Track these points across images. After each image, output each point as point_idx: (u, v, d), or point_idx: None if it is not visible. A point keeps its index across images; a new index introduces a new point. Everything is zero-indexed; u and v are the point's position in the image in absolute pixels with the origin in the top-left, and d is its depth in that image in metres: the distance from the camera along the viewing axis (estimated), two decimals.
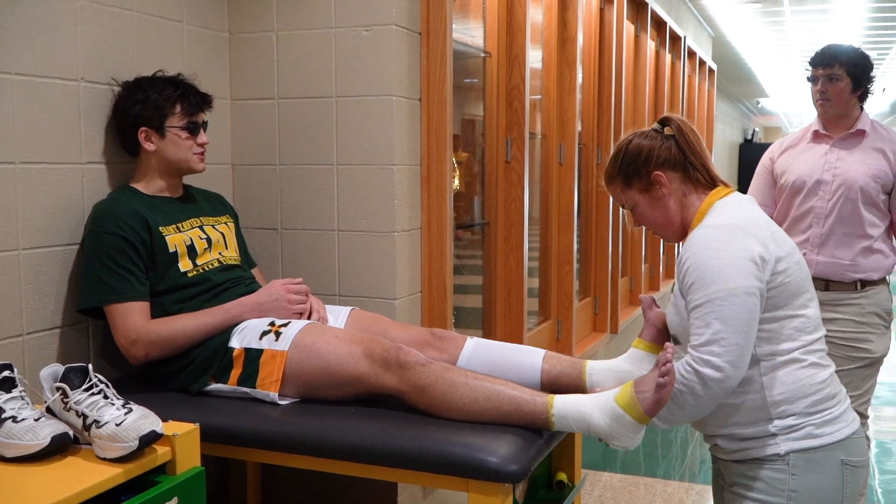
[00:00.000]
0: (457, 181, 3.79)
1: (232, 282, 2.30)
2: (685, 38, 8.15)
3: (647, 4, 6.29)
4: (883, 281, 3.10)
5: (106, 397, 1.67)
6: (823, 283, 3.04)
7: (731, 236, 1.74)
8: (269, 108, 2.83)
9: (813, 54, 3.15)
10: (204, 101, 2.35)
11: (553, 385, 2.13)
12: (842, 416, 1.79)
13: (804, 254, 2.81)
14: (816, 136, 3.13)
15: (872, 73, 3.05)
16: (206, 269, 2.27)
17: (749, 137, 20.92)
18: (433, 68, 2.81)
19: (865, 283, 3.05)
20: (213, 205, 2.46)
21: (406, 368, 1.95)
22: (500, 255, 3.76)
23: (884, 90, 17.45)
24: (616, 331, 5.45)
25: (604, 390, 1.90)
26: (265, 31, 2.81)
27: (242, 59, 2.85)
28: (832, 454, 1.76)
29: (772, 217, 2.88)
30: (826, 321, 2.47)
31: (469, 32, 3.72)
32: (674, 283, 1.88)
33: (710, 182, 1.89)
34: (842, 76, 3.01)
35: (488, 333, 3.82)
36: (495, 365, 2.17)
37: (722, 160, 15.93)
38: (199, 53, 2.72)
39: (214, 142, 2.78)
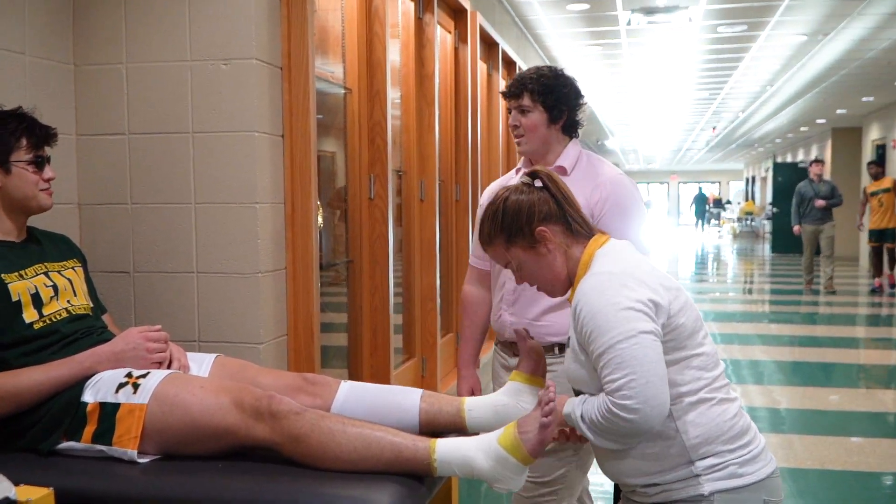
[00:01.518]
0: (320, 219, 3.71)
1: (83, 332, 2.12)
2: None
3: (497, 45, 6.44)
4: None
5: None
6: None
7: (622, 282, 1.73)
8: (119, 144, 2.66)
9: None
10: (48, 135, 2.18)
11: (432, 424, 2.08)
12: (761, 454, 1.79)
13: (500, 315, 2.52)
14: (521, 174, 2.64)
15: (579, 99, 2.50)
16: (54, 319, 2.08)
17: None
18: (296, 103, 2.74)
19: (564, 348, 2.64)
20: (58, 248, 2.28)
21: (279, 418, 1.85)
22: (365, 294, 3.70)
23: (714, 129, 18.68)
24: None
25: (486, 430, 1.87)
26: (113, 63, 2.65)
27: (89, 92, 2.67)
28: (755, 494, 1.76)
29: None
30: None
31: (329, 68, 3.67)
32: (569, 336, 1.87)
33: (588, 232, 1.89)
34: (532, 107, 2.46)
35: (355, 372, 3.74)
36: (372, 408, 2.10)
37: None
38: (42, 86, 2.53)
39: (60, 180, 2.57)
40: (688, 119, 17.18)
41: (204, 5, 2.58)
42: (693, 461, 1.74)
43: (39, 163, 2.15)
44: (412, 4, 4.47)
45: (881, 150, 14.82)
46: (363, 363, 3.70)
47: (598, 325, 1.69)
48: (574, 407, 1.78)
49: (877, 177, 11.43)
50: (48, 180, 2.17)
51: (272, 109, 2.66)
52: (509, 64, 7.27)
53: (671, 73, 11.00)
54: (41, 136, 2.15)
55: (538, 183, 1.89)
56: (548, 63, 9.86)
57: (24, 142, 2.11)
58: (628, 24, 7.80)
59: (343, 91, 3.68)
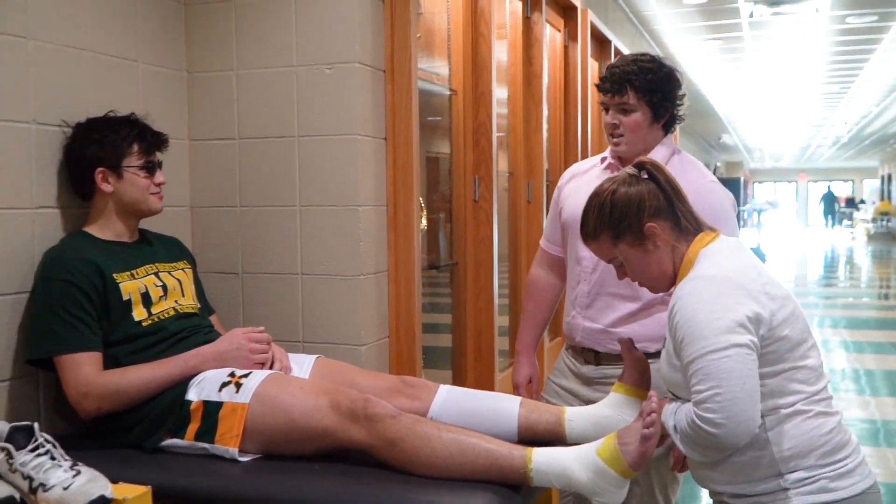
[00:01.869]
0: (424, 221, 3.72)
1: (189, 330, 2.19)
2: None
3: (609, 42, 6.31)
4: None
5: (53, 458, 1.57)
6: (592, 355, 2.36)
7: (721, 290, 1.66)
8: (229, 149, 2.74)
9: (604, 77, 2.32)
10: (160, 141, 2.26)
11: (531, 433, 2.04)
12: (857, 469, 1.69)
13: (573, 317, 2.37)
14: (606, 165, 2.42)
15: (681, 93, 2.30)
16: (162, 317, 2.16)
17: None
18: (398, 106, 2.74)
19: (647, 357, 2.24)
20: (169, 250, 2.36)
21: (375, 421, 1.85)
22: (469, 296, 3.68)
23: (845, 123, 17.80)
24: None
25: (586, 441, 1.82)
26: (224, 70, 2.73)
27: (201, 98, 2.76)
28: None
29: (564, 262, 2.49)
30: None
31: (434, 70, 3.67)
32: (665, 338, 1.80)
33: (696, 227, 1.81)
34: (636, 106, 2.25)
35: (459, 375, 3.73)
36: (470, 414, 2.08)
37: None
38: (156, 93, 2.63)
39: (172, 184, 2.68)
40: (816, 114, 16.43)
41: (309, 11, 2.62)
42: (782, 474, 1.66)
43: (150, 168, 2.23)
44: (520, 3, 4.43)
45: None
46: (467, 366, 3.69)
47: (691, 333, 1.62)
48: (667, 416, 1.71)
49: None
50: (159, 185, 2.25)
51: (375, 112, 2.68)
52: None
53: (797, 67, 10.53)
54: (152, 141, 2.24)
55: (644, 174, 1.81)
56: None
57: (135, 147, 2.20)
58: (750, 16, 7.51)
59: (448, 93, 3.68)
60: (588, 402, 2.30)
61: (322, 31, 2.60)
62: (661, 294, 1.96)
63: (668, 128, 2.34)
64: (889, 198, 29.89)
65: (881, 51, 9.33)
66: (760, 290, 1.67)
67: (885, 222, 27.58)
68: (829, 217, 31.54)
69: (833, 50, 9.40)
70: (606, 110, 2.31)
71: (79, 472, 1.51)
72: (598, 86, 2.32)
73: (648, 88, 2.22)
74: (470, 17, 3.73)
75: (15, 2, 2.10)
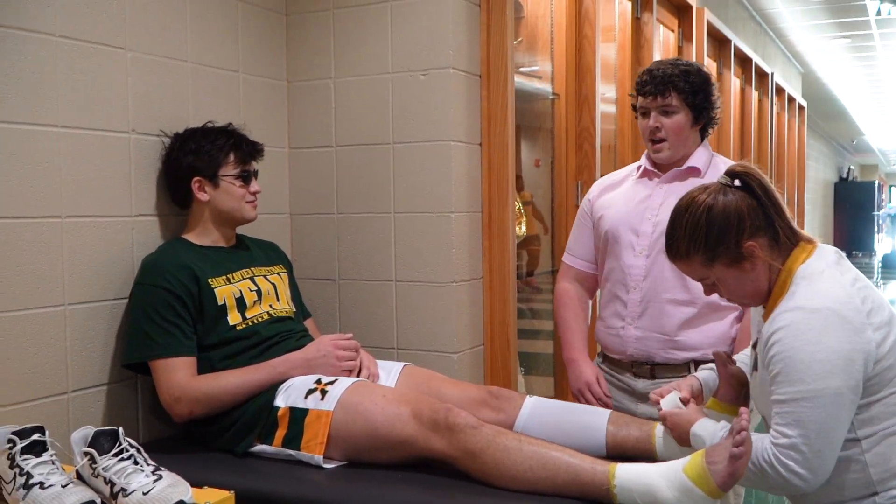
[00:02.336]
0: (524, 226, 3.67)
1: (282, 335, 2.22)
2: (773, 74, 7.87)
3: (729, 41, 6.07)
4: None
5: (136, 463, 1.60)
6: (647, 368, 2.30)
7: (825, 326, 1.54)
8: (327, 156, 2.77)
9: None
10: (256, 150, 2.30)
11: (619, 448, 1.97)
12: None
13: (622, 328, 2.30)
14: (642, 173, 2.39)
15: (714, 97, 2.29)
16: (256, 322, 2.19)
17: (844, 176, 20.14)
18: (494, 111, 2.71)
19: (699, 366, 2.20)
20: (266, 254, 2.40)
21: (456, 431, 1.82)
22: None
23: None
24: None
25: (677, 458, 1.73)
26: (323, 79, 2.76)
27: (300, 107, 2.80)
28: None
29: (597, 282, 2.46)
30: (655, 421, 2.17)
31: (537, 74, 3.61)
32: (754, 356, 1.69)
33: (794, 240, 1.69)
34: (679, 108, 2.25)
35: (559, 382, 3.65)
36: (556, 426, 2.03)
37: (816, 199, 15.35)
38: (257, 103, 2.69)
39: (273, 191, 2.73)
40: None
41: (405, 18, 2.62)
42: (877, 492, 1.58)
43: (246, 177, 2.27)
44: (629, 4, 4.31)
45: None
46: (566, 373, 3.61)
47: (788, 372, 1.53)
48: None
49: None
50: (254, 193, 2.29)
51: (469, 118, 2.65)
52: (743, 60, 6.84)
53: None
54: (248, 151, 2.28)
55: (738, 182, 1.68)
56: (791, 58, 9.19)
57: (231, 157, 2.24)
58: (878, 14, 7.09)
59: (551, 97, 3.61)
60: (648, 418, 2.21)
61: (417, 37, 2.60)
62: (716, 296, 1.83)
63: (704, 132, 2.33)
64: None
65: None
66: (866, 322, 1.56)
67: None
68: None
69: None
70: (645, 115, 2.29)
71: (160, 477, 1.53)
72: (638, 90, 2.30)
73: (691, 90, 2.23)
74: (574, 18, 3.66)
75: (113, 13, 2.18)
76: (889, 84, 11.29)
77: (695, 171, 2.29)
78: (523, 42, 3.59)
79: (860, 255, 18.16)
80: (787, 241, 1.68)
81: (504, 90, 2.70)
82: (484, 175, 2.71)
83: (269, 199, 2.69)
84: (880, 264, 17.39)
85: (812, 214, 14.63)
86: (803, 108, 10.16)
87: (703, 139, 2.34)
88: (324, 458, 1.93)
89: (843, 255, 1.72)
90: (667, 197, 2.27)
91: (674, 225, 1.73)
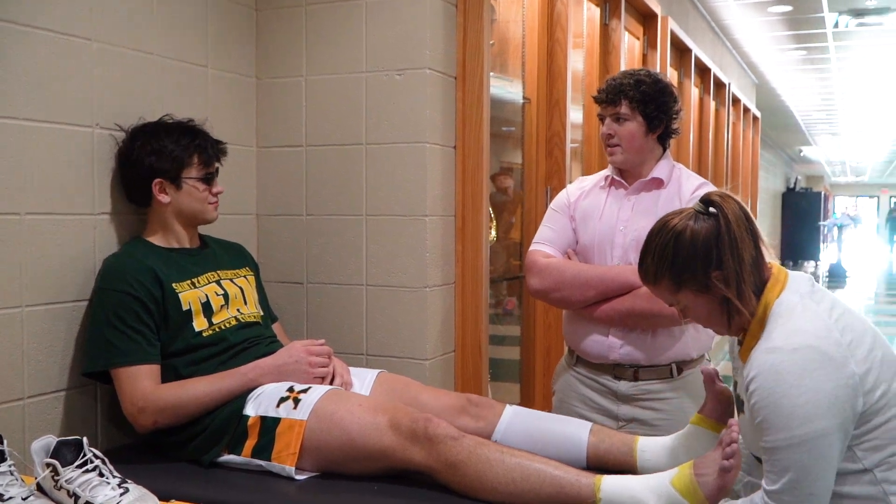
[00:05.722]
0: (493, 231, 3.63)
1: (250, 341, 2.13)
2: (730, 84, 7.97)
3: (690, 51, 6.13)
4: (702, 359, 2.38)
5: (101, 475, 1.52)
6: (631, 371, 2.31)
7: (805, 367, 1.50)
8: (297, 156, 2.69)
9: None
10: (220, 151, 2.22)
11: (600, 462, 1.93)
12: None
13: (606, 335, 2.29)
14: (610, 182, 2.40)
15: (677, 107, 2.33)
16: (223, 327, 2.11)
17: (792, 186, 20.55)
18: (469, 114, 2.66)
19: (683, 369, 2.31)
20: (231, 256, 2.31)
21: (436, 442, 1.76)
22: (538, 311, 3.57)
23: None
24: None
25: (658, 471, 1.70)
26: (294, 76, 2.68)
27: (270, 104, 2.72)
28: None
29: None
30: (638, 422, 2.24)
31: (508, 78, 3.58)
32: (737, 396, 1.66)
33: (766, 270, 1.66)
34: (630, 116, 2.29)
35: (525, 390, 3.62)
36: (536, 436, 1.98)
37: (765, 208, 15.62)
38: (224, 99, 2.60)
39: (239, 191, 2.65)
40: None
41: (380, 16, 2.55)
42: None
43: (209, 178, 2.18)
44: (598, 10, 4.31)
45: None
46: (535, 382, 3.58)
47: (773, 419, 1.50)
48: None
49: None
50: (216, 194, 2.20)
51: (445, 120, 2.60)
52: (702, 70, 6.90)
53: (884, 79, 10.10)
54: (213, 153, 2.19)
55: (712, 209, 1.64)
56: (746, 69, 9.32)
57: (195, 159, 2.15)
58: (835, 26, 7.21)
59: (522, 101, 3.58)
60: (630, 419, 2.28)
61: (392, 36, 2.54)
62: None
63: (663, 140, 2.36)
64: None
65: None
66: (848, 356, 1.52)
67: None
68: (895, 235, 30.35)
69: None
70: (602, 121, 2.35)
71: (127, 490, 1.46)
72: (594, 97, 2.38)
73: (642, 99, 2.27)
74: (546, 24, 3.63)
75: (81, 4, 2.08)
76: (840, 96, 11.54)
77: (658, 182, 2.34)
78: (495, 45, 3.55)
79: (806, 264, 18.54)
80: (759, 270, 1.64)
81: (479, 92, 2.65)
82: (458, 178, 2.66)
83: (235, 199, 2.61)
84: (826, 274, 17.76)
85: (762, 224, 14.86)
86: (758, 118, 10.32)
87: (665, 149, 2.38)
88: (296, 468, 1.85)
89: (815, 281, 1.69)
90: (634, 208, 2.33)
91: (645, 248, 1.70)
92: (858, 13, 6.90)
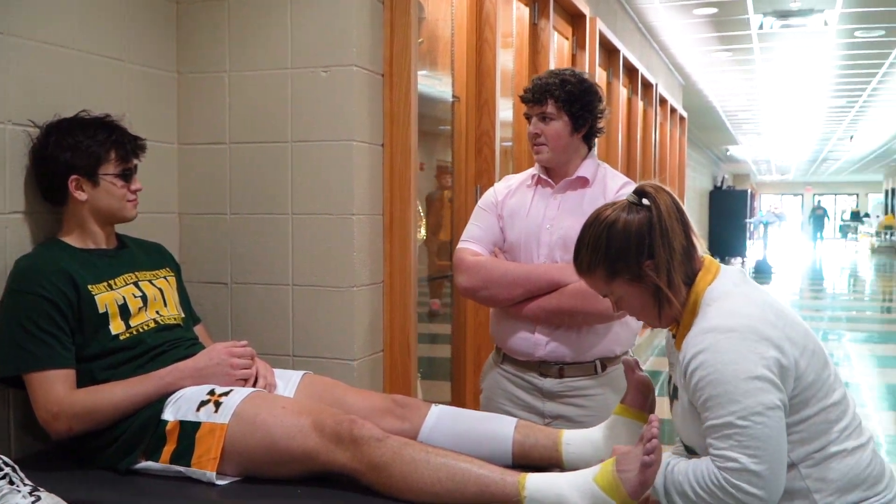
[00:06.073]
0: (423, 230, 3.62)
1: (170, 344, 2.08)
2: (657, 85, 8.11)
3: (618, 51, 6.21)
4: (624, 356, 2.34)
5: (11, 483, 1.46)
6: (556, 368, 2.33)
7: (743, 345, 1.53)
8: (220, 153, 2.63)
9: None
10: (138, 146, 2.15)
11: (526, 457, 1.94)
12: (893, 500, 1.61)
13: (531, 332, 2.31)
14: (537, 181, 2.43)
15: (601, 107, 2.36)
16: (141, 330, 2.05)
17: (718, 184, 21.06)
18: (397, 112, 2.64)
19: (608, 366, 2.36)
20: (150, 257, 2.25)
21: (360, 444, 1.74)
22: (469, 309, 3.57)
23: (851, 138, 17.67)
24: None
25: (584, 467, 1.71)
26: (217, 72, 2.63)
27: (191, 100, 2.66)
28: None
29: None
30: (563, 419, 2.26)
31: (438, 76, 3.57)
32: (672, 382, 1.69)
33: (698, 260, 1.70)
34: (556, 115, 2.31)
35: (456, 387, 3.62)
36: (462, 436, 1.98)
37: (693, 207, 15.97)
38: (144, 94, 2.53)
39: (160, 189, 2.58)
40: (823, 128, 16.30)
41: (305, 12, 2.52)
42: None
43: (127, 175, 2.11)
44: (527, 10, 4.33)
45: None
46: (466, 379, 3.58)
47: (718, 395, 1.51)
48: (660, 475, 1.60)
49: None
50: (135, 192, 2.14)
51: (372, 118, 2.57)
52: (631, 71, 7.02)
53: (806, 80, 10.42)
54: (131, 148, 2.13)
55: (646, 201, 1.67)
56: (673, 70, 9.50)
57: (112, 154, 2.08)
58: (760, 28, 7.40)
59: (451, 100, 3.58)
60: (555, 416, 2.31)
61: (318, 32, 2.50)
62: None
63: (588, 140, 2.40)
64: (893, 212, 29.70)
65: (888, 65, 9.20)
66: (783, 337, 1.56)
67: (888, 236, 27.43)
68: (818, 231, 31.63)
69: (841, 64, 9.27)
70: (529, 120, 2.37)
71: (38, 498, 1.41)
72: (521, 97, 2.39)
73: (567, 98, 2.30)
74: (474, 22, 3.63)
75: None
76: (765, 96, 11.86)
77: (584, 181, 2.37)
78: (424, 43, 3.54)
79: (732, 261, 19.02)
80: (691, 261, 1.68)
81: (407, 90, 2.64)
82: (386, 176, 2.64)
83: (155, 198, 2.54)
84: (752, 270, 18.25)
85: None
86: (684, 118, 10.54)
87: (590, 148, 2.41)
88: (217, 473, 1.81)
89: (747, 274, 1.73)
90: (561, 206, 2.36)
91: (580, 239, 1.73)
92: (782, 15, 7.08)
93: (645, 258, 1.64)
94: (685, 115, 10.65)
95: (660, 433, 1.62)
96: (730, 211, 19.17)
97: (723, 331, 1.55)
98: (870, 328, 10.44)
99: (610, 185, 2.36)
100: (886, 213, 30.75)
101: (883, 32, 7.59)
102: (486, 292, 2.33)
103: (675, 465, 1.61)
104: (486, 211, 2.43)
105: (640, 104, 7.46)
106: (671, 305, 1.66)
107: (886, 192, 32.41)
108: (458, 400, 3.59)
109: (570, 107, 2.30)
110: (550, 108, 2.30)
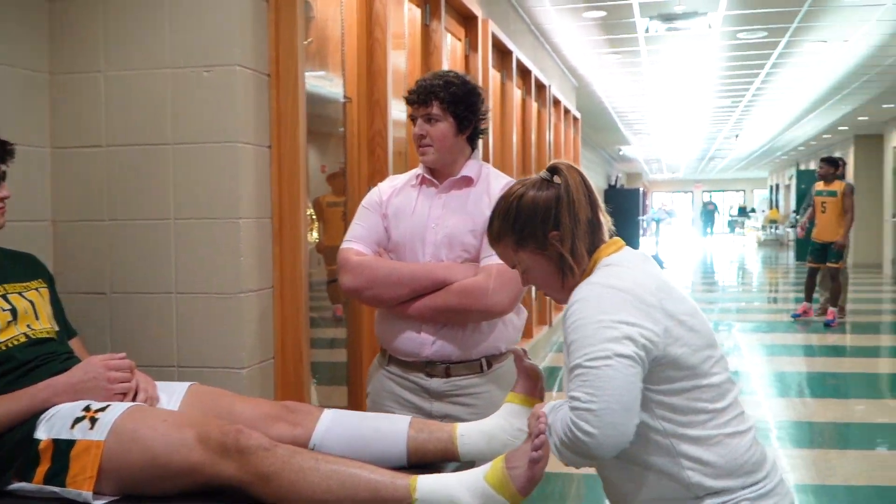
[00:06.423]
0: (315, 233, 3.56)
1: (43, 358, 1.97)
2: (550, 86, 8.25)
3: (511, 53, 6.28)
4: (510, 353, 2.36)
5: None
6: (442, 368, 2.32)
7: (617, 301, 1.58)
8: (96, 157, 2.52)
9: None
10: (6, 151, 2.03)
11: (421, 453, 1.94)
12: (776, 489, 1.64)
13: (417, 332, 2.31)
14: (421, 180, 2.42)
15: (484, 108, 2.39)
16: (11, 345, 1.93)
17: (613, 183, 21.62)
18: (284, 112, 2.58)
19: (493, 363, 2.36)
20: (21, 268, 2.13)
21: (247, 454, 1.68)
22: (366, 311, 3.53)
23: (737, 137, 18.41)
24: None
25: (481, 458, 1.72)
26: (91, 72, 2.51)
27: (65, 102, 2.53)
28: None
29: None
30: (451, 418, 2.24)
31: (328, 77, 3.52)
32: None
33: (601, 237, 1.75)
34: (441, 116, 2.32)
35: (354, 391, 3.58)
36: (356, 438, 1.96)
37: None
38: (12, 96, 2.40)
39: (31, 196, 2.45)
40: (710, 127, 16.92)
41: (183, 8, 2.43)
42: (700, 497, 1.59)
43: None
44: (419, 11, 4.32)
45: None
46: (362, 384, 3.53)
47: (578, 338, 1.56)
48: (547, 412, 1.63)
49: (826, 179, 9.33)
50: (3, 199, 2.02)
51: (258, 119, 2.51)
52: (524, 72, 7.11)
53: (692, 81, 10.79)
54: None
55: (557, 179, 1.74)
56: (566, 71, 9.68)
57: None
58: (647, 31, 7.61)
59: (343, 100, 3.53)
60: (443, 416, 2.29)
61: (199, 31, 2.43)
62: None
63: (472, 141, 2.41)
64: (777, 207, 31.15)
65: (770, 65, 9.62)
66: (657, 306, 1.60)
67: (773, 230, 28.76)
68: (709, 226, 33.37)
69: (726, 65, 9.63)
70: (414, 121, 2.37)
71: None
72: (406, 98, 2.39)
73: (452, 100, 2.31)
74: (365, 22, 3.60)
75: None
76: (653, 97, 12.22)
77: (468, 181, 2.38)
78: (314, 43, 3.48)
79: None
80: (595, 236, 1.74)
81: (295, 90, 2.58)
82: (274, 179, 2.58)
83: (26, 205, 2.41)
84: None
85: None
86: (578, 119, 10.76)
87: (473, 149, 2.42)
88: (94, 493, 1.72)
89: (649, 257, 1.79)
90: (446, 206, 2.36)
91: (493, 211, 1.79)
92: (667, 18, 7.30)
93: (550, 228, 1.70)
94: (579, 115, 10.87)
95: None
96: (624, 209, 19.69)
97: (603, 286, 1.62)
98: (758, 318, 10.88)
99: (493, 184, 2.38)
100: (771, 207, 32.22)
101: (765, 34, 7.91)
102: (371, 292, 2.30)
103: (556, 407, 1.63)
104: (371, 210, 2.41)
105: (535, 105, 7.57)
106: (574, 275, 1.71)
107: (771, 187, 33.97)
108: (355, 404, 3.55)
109: (454, 108, 2.32)
110: (436, 110, 2.31)
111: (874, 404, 6.18)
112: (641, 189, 22.24)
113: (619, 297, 1.59)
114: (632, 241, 19.39)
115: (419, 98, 2.33)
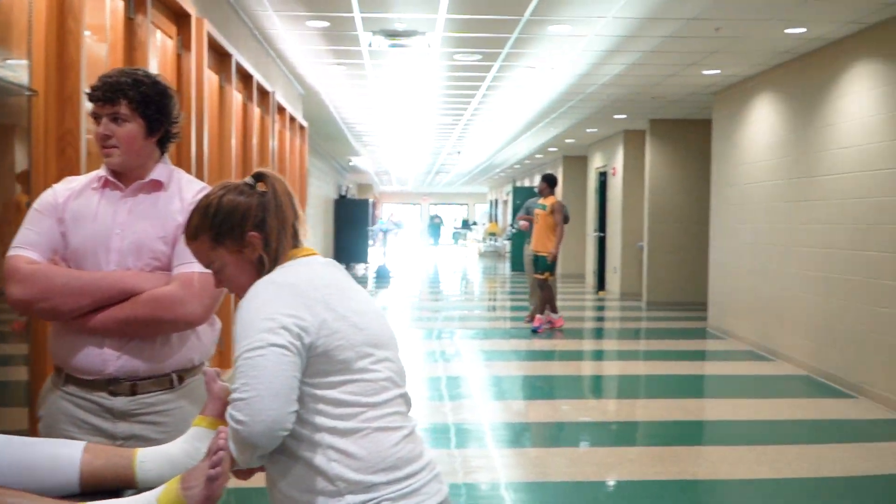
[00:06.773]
0: None
1: None
2: (274, 93, 8.14)
3: (231, 55, 6.12)
4: (203, 365, 2.32)
5: None
6: (128, 385, 2.18)
7: (277, 294, 1.66)
8: None
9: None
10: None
11: (96, 479, 1.80)
12: (422, 488, 1.68)
13: (98, 346, 2.17)
14: (104, 183, 2.26)
15: (176, 111, 2.30)
16: None
17: (343, 193, 21.84)
18: None
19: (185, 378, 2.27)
20: None
21: None
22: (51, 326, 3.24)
23: (459, 153, 19.33)
24: None
25: (161, 483, 1.62)
26: None
27: None
28: None
29: None
30: (138, 439, 2.15)
31: (10, 68, 3.19)
32: None
33: (296, 243, 1.82)
34: (130, 117, 2.19)
35: (35, 411, 3.26)
36: (23, 465, 1.78)
37: (318, 215, 16.36)
38: None
39: None
40: (435, 143, 17.63)
41: None
42: (342, 494, 1.62)
43: None
44: (122, 3, 4.07)
45: (603, 177, 16.08)
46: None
47: (239, 331, 1.63)
48: None
49: (542, 193, 10.14)
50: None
51: None
52: (245, 77, 6.95)
53: (416, 97, 11.16)
54: None
55: (262, 186, 1.78)
56: (292, 79, 9.61)
57: None
58: (370, 45, 7.75)
59: (27, 93, 3.22)
60: (129, 437, 2.17)
61: None
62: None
63: (162, 145, 2.32)
64: (496, 220, 33.20)
65: (485, 87, 10.18)
66: (319, 299, 1.67)
67: (492, 242, 30.63)
68: (435, 238, 35.78)
69: (446, 84, 10.05)
70: (97, 120, 2.22)
71: None
72: (88, 95, 2.24)
73: (142, 100, 2.21)
74: (55, 10, 3.32)
75: None
76: (380, 110, 12.48)
77: (157, 185, 2.29)
78: None
79: (357, 266, 19.83)
80: (294, 243, 1.80)
81: None
82: None
83: None
84: (375, 275, 19.17)
85: (315, 230, 15.58)
86: (304, 127, 10.73)
87: (163, 153, 2.33)
88: None
89: (338, 264, 1.85)
90: (132, 211, 2.25)
91: (193, 210, 1.79)
92: (389, 34, 7.48)
93: (250, 228, 1.74)
94: (306, 124, 10.85)
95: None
96: (353, 219, 20.04)
97: (267, 283, 1.69)
98: (478, 325, 11.47)
99: (186, 188, 2.29)
100: (490, 221, 34.25)
101: (480, 56, 8.36)
102: (47, 304, 2.11)
103: None
104: (44, 214, 2.21)
105: (257, 111, 7.43)
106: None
107: (491, 202, 36.11)
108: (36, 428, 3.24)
109: (144, 109, 2.21)
110: (124, 110, 2.19)
111: (577, 404, 6.72)
112: (371, 200, 22.69)
113: (283, 291, 1.66)
114: (360, 253, 19.81)
115: (104, 95, 2.19)
